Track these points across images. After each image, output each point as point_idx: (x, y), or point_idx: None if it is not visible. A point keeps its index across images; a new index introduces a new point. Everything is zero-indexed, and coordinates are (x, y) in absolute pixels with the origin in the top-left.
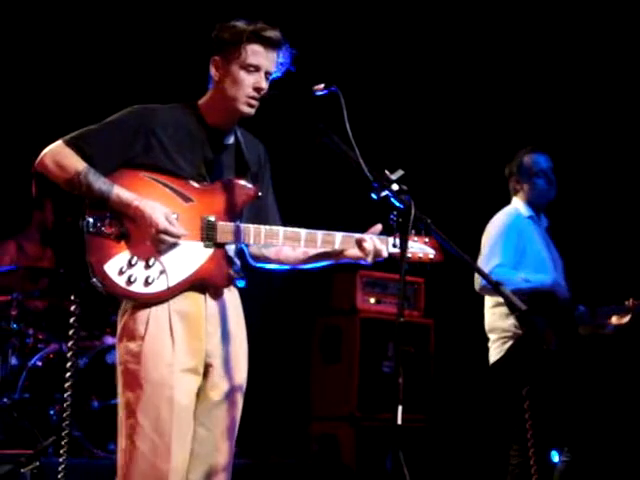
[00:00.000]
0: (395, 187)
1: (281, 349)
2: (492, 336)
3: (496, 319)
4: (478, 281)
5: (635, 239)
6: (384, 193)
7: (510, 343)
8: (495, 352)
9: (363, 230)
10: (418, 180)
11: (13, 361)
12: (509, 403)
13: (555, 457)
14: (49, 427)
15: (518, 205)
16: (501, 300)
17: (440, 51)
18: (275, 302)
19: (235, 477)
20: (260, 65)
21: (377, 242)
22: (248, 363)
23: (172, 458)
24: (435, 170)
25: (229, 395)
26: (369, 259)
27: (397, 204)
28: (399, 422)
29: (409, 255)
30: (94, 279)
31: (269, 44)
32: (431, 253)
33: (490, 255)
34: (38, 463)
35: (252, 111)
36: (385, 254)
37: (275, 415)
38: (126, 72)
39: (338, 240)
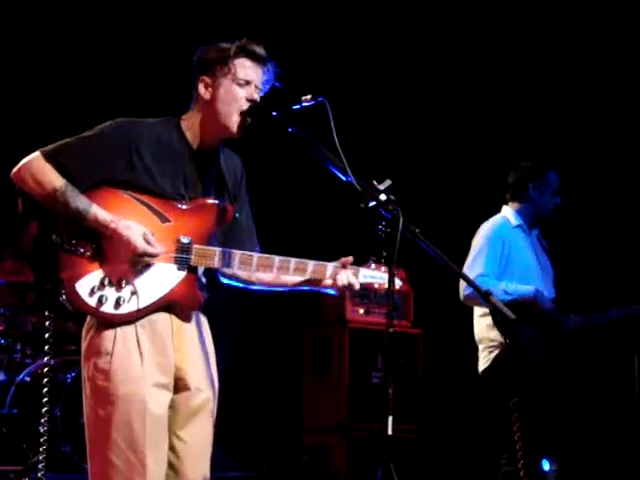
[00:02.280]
0: (383, 197)
1: (271, 361)
2: (480, 346)
3: (484, 329)
4: (462, 291)
5: (629, 247)
6: (372, 203)
7: (496, 352)
8: (483, 362)
9: (338, 255)
10: (406, 190)
11: (1, 377)
12: (497, 412)
13: (546, 466)
14: (38, 442)
15: (507, 213)
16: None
17: (426, 64)
18: (264, 314)
19: None
20: (251, 79)
21: (350, 275)
22: (239, 376)
23: (148, 472)
24: (423, 180)
25: (206, 406)
26: (339, 291)
27: (385, 214)
28: (389, 432)
29: (376, 286)
30: (64, 296)
31: (256, 58)
32: (397, 284)
33: (473, 265)
34: (27, 479)
35: (240, 130)
36: (357, 287)
37: (267, 427)
38: (104, 79)
39: (310, 269)
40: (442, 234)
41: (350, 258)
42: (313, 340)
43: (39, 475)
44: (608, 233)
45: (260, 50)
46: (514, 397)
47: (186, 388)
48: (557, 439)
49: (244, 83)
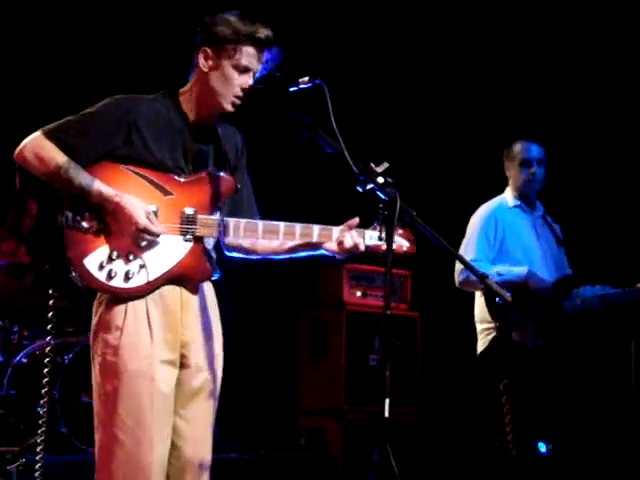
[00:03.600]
0: (380, 180)
1: (268, 343)
2: (479, 326)
3: (484, 309)
4: (457, 277)
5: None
6: (369, 186)
7: (493, 335)
8: (480, 343)
9: (342, 222)
10: (404, 172)
11: None
12: (492, 395)
13: (542, 448)
14: (36, 424)
15: (506, 195)
16: None
17: (425, 45)
18: (261, 296)
19: (223, 471)
20: (251, 66)
21: (355, 236)
22: (236, 358)
23: (154, 449)
24: (421, 162)
25: (207, 386)
26: (346, 254)
27: (382, 197)
28: (386, 415)
29: (383, 247)
30: (73, 274)
31: (262, 45)
32: (405, 245)
33: (464, 252)
34: (24, 460)
35: (234, 109)
36: (362, 248)
37: (263, 409)
38: (101, 59)
39: (316, 233)
40: (440, 217)
41: (356, 219)
42: (310, 322)
43: (37, 458)
44: (625, 211)
45: (267, 34)
46: (504, 379)
47: (187, 366)
48: (551, 423)
49: (243, 70)
